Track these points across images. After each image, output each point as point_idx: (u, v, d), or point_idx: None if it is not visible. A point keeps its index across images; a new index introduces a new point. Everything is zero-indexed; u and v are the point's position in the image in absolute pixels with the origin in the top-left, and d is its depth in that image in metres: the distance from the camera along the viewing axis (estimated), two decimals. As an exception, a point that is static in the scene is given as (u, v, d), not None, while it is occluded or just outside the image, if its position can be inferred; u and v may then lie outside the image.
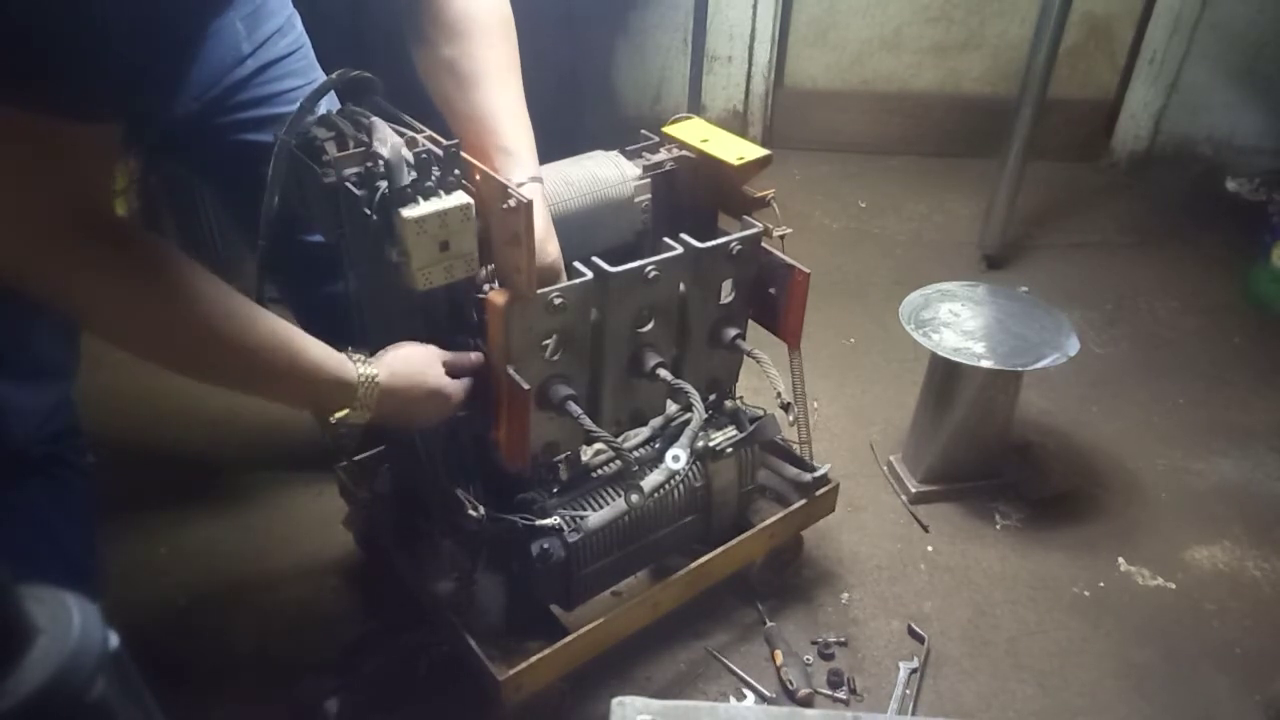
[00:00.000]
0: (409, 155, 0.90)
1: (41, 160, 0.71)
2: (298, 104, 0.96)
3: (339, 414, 0.93)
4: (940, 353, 1.48)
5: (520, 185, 0.99)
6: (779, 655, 1.31)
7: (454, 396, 1.00)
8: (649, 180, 1.21)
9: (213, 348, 0.84)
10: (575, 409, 1.03)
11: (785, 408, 1.20)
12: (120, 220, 0.77)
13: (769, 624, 1.37)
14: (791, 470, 1.39)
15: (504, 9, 1.11)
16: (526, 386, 0.98)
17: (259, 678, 1.29)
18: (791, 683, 1.27)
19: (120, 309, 0.79)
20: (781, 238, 1.19)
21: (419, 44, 1.09)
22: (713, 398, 1.24)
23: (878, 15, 2.71)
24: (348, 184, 0.93)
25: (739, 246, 1.13)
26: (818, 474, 1.34)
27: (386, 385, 0.94)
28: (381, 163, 0.89)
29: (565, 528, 1.11)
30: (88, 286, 0.77)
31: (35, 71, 0.67)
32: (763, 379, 1.18)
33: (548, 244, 1.04)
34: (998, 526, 1.59)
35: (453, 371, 1.00)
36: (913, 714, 1.27)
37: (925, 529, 1.57)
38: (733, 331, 1.18)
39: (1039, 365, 1.45)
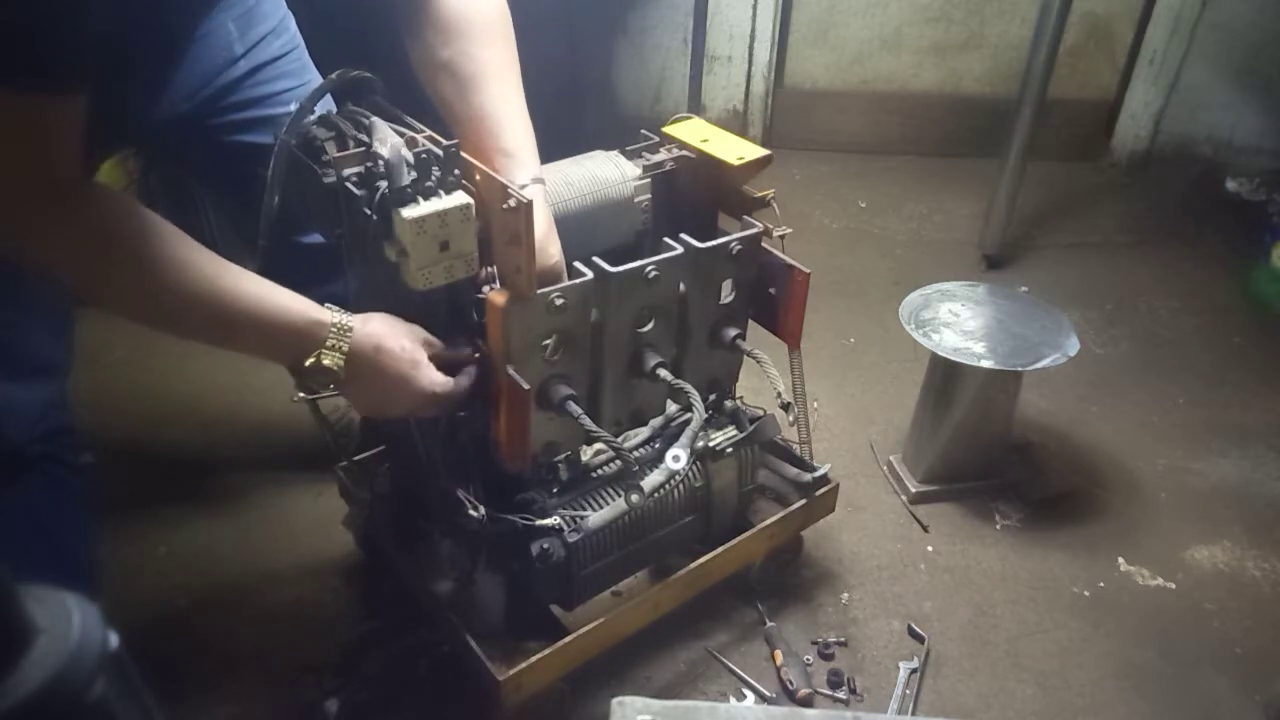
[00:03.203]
0: (409, 155, 0.90)
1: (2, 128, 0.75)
2: (291, 105, 0.96)
3: (310, 359, 0.92)
4: (940, 353, 1.47)
5: (523, 187, 0.99)
6: (779, 655, 1.31)
7: (429, 379, 0.98)
8: (649, 180, 1.21)
9: (180, 299, 0.87)
10: (575, 409, 1.03)
11: (785, 408, 1.20)
12: (81, 183, 0.81)
13: (769, 624, 1.37)
14: (791, 470, 1.39)
15: (501, 8, 1.10)
16: (526, 386, 0.98)
17: (259, 678, 1.29)
18: (791, 683, 1.27)
19: (86, 268, 0.84)
20: (781, 238, 1.19)
21: (415, 45, 1.09)
22: (713, 398, 1.24)
23: (878, 15, 2.71)
24: (348, 184, 0.93)
25: (739, 246, 1.13)
26: (818, 474, 1.34)
27: (360, 333, 0.94)
28: (381, 163, 0.89)
29: (565, 528, 1.11)
30: (52, 249, 0.81)
31: None
32: (763, 379, 1.18)
33: (549, 246, 1.04)
34: (998, 526, 1.59)
35: (443, 366, 1.00)
36: (913, 714, 1.27)
37: (925, 529, 1.57)
38: (733, 331, 1.18)
39: (1039, 365, 1.45)
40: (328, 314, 0.93)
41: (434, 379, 0.99)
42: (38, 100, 0.75)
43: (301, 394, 0.99)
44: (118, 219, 0.84)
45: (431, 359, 0.99)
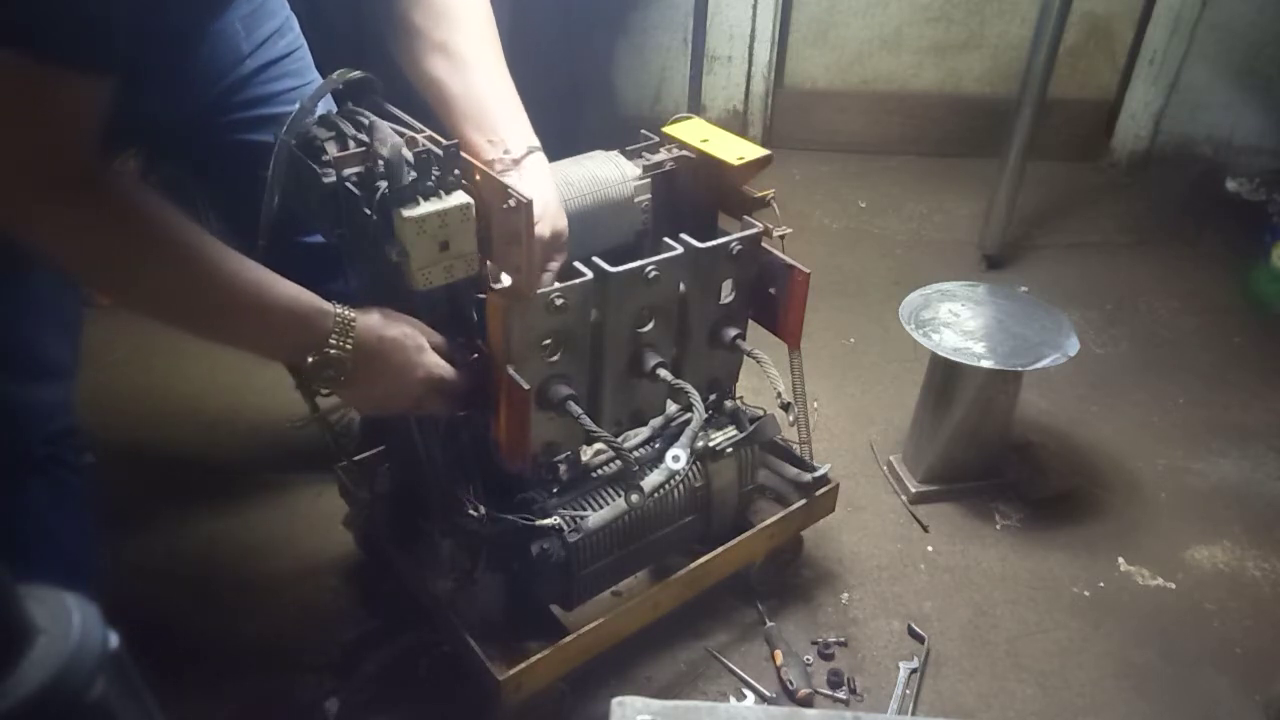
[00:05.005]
0: (409, 155, 0.90)
1: (21, 103, 0.73)
2: (296, 104, 0.96)
3: (314, 355, 0.91)
4: (940, 353, 1.48)
5: (525, 154, 1.01)
6: (779, 655, 1.31)
7: (434, 362, 0.98)
8: (649, 180, 1.21)
9: (186, 288, 0.86)
10: (575, 409, 1.03)
11: (785, 408, 1.20)
12: (94, 167, 0.79)
13: (769, 624, 1.37)
14: (791, 470, 1.39)
15: (485, 2, 1.12)
16: (526, 386, 0.98)
17: (259, 678, 1.29)
18: (791, 683, 1.27)
19: (93, 254, 0.82)
20: (781, 238, 1.19)
21: (406, 36, 1.09)
22: (713, 398, 1.24)
23: (878, 15, 2.71)
24: (348, 184, 0.93)
25: (739, 246, 1.13)
26: (818, 474, 1.34)
27: (362, 323, 0.93)
28: (381, 163, 0.89)
29: (565, 528, 1.11)
30: (61, 233, 0.80)
31: (25, 11, 0.69)
32: (763, 379, 1.18)
33: (558, 215, 1.04)
34: (998, 526, 1.59)
35: (444, 357, 1.00)
36: (913, 714, 1.27)
37: (925, 529, 1.57)
38: (733, 331, 1.18)
39: (1039, 365, 1.45)
40: (329, 305, 0.93)
41: (438, 362, 0.99)
42: (62, 75, 0.73)
43: (296, 420, 0.99)
44: (137, 206, 0.82)
45: (432, 348, 1.00)
